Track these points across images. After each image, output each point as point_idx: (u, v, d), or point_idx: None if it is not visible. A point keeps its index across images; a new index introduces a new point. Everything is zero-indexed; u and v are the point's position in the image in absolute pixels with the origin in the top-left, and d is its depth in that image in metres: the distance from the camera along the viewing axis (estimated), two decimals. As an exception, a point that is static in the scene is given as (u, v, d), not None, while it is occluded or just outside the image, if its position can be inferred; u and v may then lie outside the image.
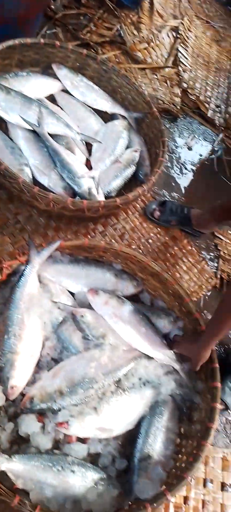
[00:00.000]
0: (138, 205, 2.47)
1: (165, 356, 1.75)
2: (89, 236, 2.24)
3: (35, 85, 2.45)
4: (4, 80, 2.31)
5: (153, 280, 1.98)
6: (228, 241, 2.59)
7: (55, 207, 1.94)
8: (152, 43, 3.34)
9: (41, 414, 1.53)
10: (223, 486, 1.77)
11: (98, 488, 1.44)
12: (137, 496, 1.46)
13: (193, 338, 1.81)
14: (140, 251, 2.10)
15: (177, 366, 1.75)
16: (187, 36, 3.55)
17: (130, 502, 1.46)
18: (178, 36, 3.50)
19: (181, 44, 3.44)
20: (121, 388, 1.64)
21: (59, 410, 1.51)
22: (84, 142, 2.38)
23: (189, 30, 3.63)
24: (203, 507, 1.70)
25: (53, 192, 2.01)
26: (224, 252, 2.53)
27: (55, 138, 2.25)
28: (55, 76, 2.56)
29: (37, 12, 2.71)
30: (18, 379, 1.51)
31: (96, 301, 1.77)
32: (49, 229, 2.17)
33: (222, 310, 1.64)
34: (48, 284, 1.83)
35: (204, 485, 1.75)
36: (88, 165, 2.29)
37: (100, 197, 2.17)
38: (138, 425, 1.63)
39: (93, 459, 1.54)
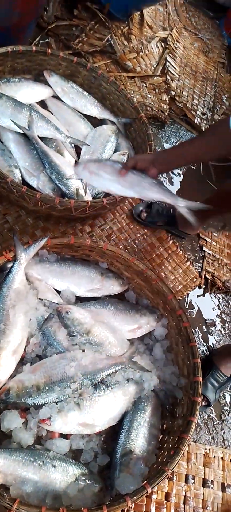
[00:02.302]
0: (125, 207, 2.41)
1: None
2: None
3: (27, 91, 2.40)
4: (-4, 86, 2.26)
5: (138, 278, 1.92)
6: (213, 242, 2.54)
7: (43, 207, 1.89)
8: (141, 53, 3.29)
9: (23, 410, 1.46)
10: (204, 482, 1.70)
11: (79, 483, 1.37)
12: (118, 491, 1.39)
13: None
14: (126, 251, 2.02)
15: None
16: (175, 47, 3.51)
17: (111, 498, 1.39)
18: (167, 46, 3.46)
19: (170, 54, 3.40)
20: (104, 384, 1.58)
21: (41, 406, 1.44)
22: (73, 145, 2.32)
23: (177, 41, 3.59)
24: (184, 503, 1.63)
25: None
26: (208, 253, 2.47)
27: (45, 141, 2.20)
28: (46, 83, 2.51)
29: (29, 20, 2.66)
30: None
31: None
32: (37, 229, 2.11)
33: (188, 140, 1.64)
34: (35, 282, 1.77)
35: (186, 482, 1.68)
36: (77, 168, 2.23)
37: (88, 198, 2.11)
38: (121, 421, 1.56)
39: (75, 455, 1.48)
